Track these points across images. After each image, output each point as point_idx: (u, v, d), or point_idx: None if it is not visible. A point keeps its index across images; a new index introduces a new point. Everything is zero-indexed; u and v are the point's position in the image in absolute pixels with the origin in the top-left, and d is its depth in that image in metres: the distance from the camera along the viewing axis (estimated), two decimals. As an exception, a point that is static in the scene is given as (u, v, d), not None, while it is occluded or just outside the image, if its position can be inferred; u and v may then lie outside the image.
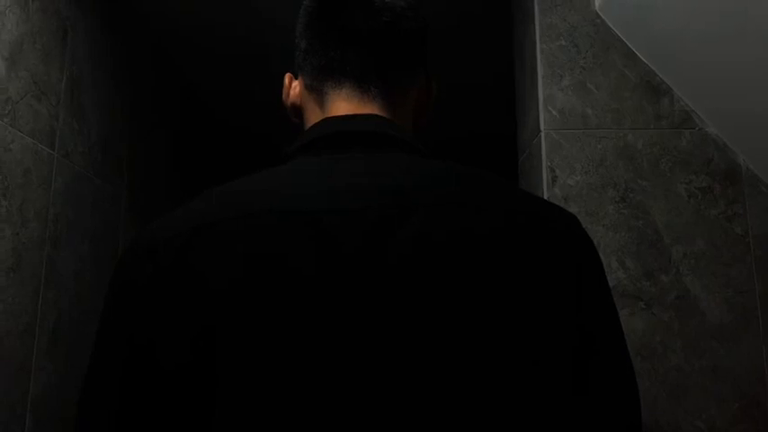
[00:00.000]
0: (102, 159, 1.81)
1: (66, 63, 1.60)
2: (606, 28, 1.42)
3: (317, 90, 0.74)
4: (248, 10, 1.99)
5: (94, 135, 1.76)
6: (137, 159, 2.05)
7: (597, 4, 1.43)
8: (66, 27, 1.60)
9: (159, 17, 2.06)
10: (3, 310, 1.33)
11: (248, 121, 2.67)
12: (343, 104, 0.72)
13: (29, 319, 1.42)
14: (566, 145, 1.37)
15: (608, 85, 1.40)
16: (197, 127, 2.68)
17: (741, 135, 1.36)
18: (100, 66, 1.80)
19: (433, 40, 0.80)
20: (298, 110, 0.78)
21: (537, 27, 1.42)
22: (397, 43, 0.73)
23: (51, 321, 1.49)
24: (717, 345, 1.28)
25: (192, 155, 2.57)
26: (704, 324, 1.29)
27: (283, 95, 0.79)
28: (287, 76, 0.79)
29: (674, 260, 1.32)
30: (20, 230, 1.39)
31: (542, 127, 1.38)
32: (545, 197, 1.34)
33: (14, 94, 1.37)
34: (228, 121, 2.77)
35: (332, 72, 0.73)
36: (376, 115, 0.70)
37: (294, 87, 0.78)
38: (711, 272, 1.32)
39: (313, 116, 0.75)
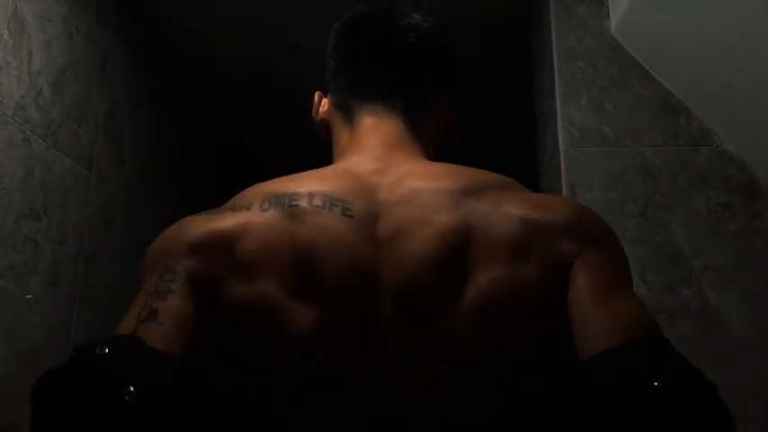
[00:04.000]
0: (136, 185, 1.88)
1: (105, 91, 1.69)
2: (622, 50, 1.47)
3: (344, 107, 0.79)
4: (295, 51, 2.07)
5: (130, 162, 1.84)
6: (171, 188, 2.13)
7: (613, 27, 1.48)
8: (106, 58, 1.69)
9: (194, 56, 2.15)
10: (40, 323, 1.38)
11: (277, 159, 2.74)
12: (368, 119, 0.77)
13: (63, 332, 1.47)
14: (584, 162, 1.40)
15: (625, 105, 1.43)
16: (230, 162, 2.76)
17: (760, 151, 1.38)
18: (136, 97, 1.89)
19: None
20: (327, 126, 0.83)
21: (554, 49, 1.47)
22: (421, 61, 0.78)
23: (84, 335, 1.54)
24: (741, 358, 1.28)
25: (226, 190, 2.65)
26: (728, 337, 1.29)
27: (313, 112, 0.84)
28: (317, 95, 0.85)
29: (695, 274, 1.33)
30: (57, 247, 1.45)
31: (561, 145, 1.41)
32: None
33: (58, 117, 1.45)
34: (258, 157, 2.85)
35: (358, 89, 0.78)
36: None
37: (323, 105, 0.83)
38: (733, 286, 1.32)
39: (341, 133, 0.80)
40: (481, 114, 2.30)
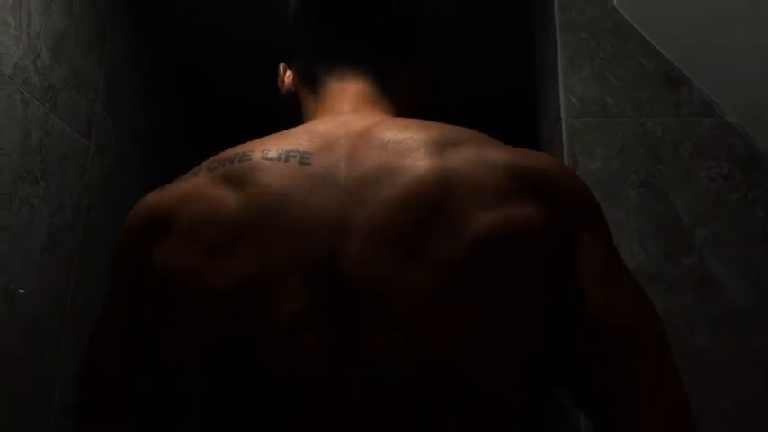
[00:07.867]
0: (134, 157, 1.87)
1: (104, 61, 1.68)
2: (624, 22, 1.47)
3: (309, 75, 0.77)
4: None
5: (129, 134, 1.83)
6: (169, 164, 2.11)
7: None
8: (105, 26, 1.68)
9: (189, 32, 2.14)
10: (36, 287, 1.36)
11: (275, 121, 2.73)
12: (334, 84, 0.75)
13: (60, 300, 1.46)
14: (586, 132, 1.40)
15: (627, 76, 1.43)
16: (223, 137, 2.75)
17: (760, 123, 1.38)
18: (134, 69, 1.87)
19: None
20: (293, 96, 0.81)
21: (557, 21, 1.47)
22: (385, 26, 0.76)
23: (81, 305, 1.53)
24: (742, 326, 1.28)
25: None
26: (728, 306, 1.29)
27: (278, 84, 0.83)
28: (281, 66, 0.83)
29: (695, 243, 1.33)
30: (55, 213, 1.44)
31: (563, 115, 1.41)
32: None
33: (56, 82, 1.44)
34: (256, 122, 2.83)
35: (323, 55, 0.76)
36: None
37: (288, 76, 0.82)
38: (734, 255, 1.32)
39: (307, 101, 0.78)
40: (482, 81, 2.30)
